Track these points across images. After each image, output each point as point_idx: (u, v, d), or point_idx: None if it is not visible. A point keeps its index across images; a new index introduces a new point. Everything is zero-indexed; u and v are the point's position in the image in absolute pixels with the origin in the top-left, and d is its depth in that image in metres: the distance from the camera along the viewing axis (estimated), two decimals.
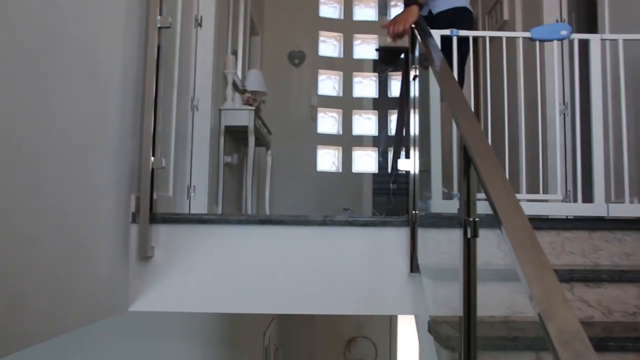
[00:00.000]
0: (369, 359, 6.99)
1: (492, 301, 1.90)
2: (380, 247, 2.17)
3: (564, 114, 3.11)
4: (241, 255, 2.13)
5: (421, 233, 2.11)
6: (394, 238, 2.16)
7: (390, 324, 7.01)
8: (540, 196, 2.32)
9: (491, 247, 1.79)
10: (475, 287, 1.29)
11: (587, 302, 1.89)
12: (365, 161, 5.18)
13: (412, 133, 2.18)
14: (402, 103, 2.56)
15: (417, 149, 2.16)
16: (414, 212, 2.13)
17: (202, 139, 3.30)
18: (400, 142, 2.95)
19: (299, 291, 2.15)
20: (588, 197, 2.20)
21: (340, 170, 5.20)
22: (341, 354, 6.98)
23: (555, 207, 2.26)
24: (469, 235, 1.27)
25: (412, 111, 2.19)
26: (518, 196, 2.19)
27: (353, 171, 5.16)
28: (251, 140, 3.71)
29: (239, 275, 2.13)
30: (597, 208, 2.12)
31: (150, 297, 2.10)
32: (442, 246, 2.04)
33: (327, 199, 5.16)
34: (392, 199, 4.59)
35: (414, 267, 2.10)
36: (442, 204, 2.22)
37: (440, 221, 2.13)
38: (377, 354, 7.02)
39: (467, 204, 1.30)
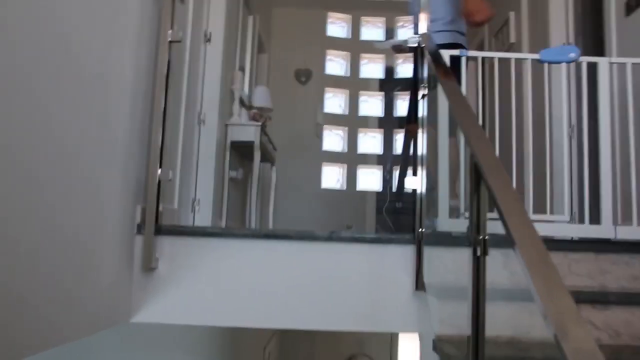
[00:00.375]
0: None
1: (498, 321, 1.88)
2: (386, 265, 2.17)
3: (571, 136, 3.12)
4: (245, 269, 2.13)
5: (427, 251, 2.10)
6: (400, 256, 2.15)
7: (390, 341, 6.94)
8: (547, 217, 2.31)
9: (496, 266, 1.78)
10: (484, 306, 1.28)
11: (595, 324, 1.88)
12: (370, 179, 5.19)
13: (419, 151, 2.18)
14: (409, 122, 2.57)
15: (424, 167, 2.16)
16: (420, 230, 2.12)
17: (208, 153, 3.30)
18: (407, 161, 2.96)
19: (303, 306, 2.14)
20: (595, 219, 2.19)
21: (345, 188, 5.20)
22: None
23: (562, 228, 2.25)
24: (478, 254, 1.26)
25: (420, 130, 2.19)
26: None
27: (357, 189, 5.17)
28: (257, 155, 3.72)
29: (242, 289, 2.12)
30: (605, 230, 2.12)
31: (153, 308, 2.08)
32: (448, 265, 2.03)
33: (330, 216, 5.15)
34: (388, 218, 4.58)
35: (419, 285, 2.09)
36: (448, 223, 2.22)
37: (447, 240, 2.12)
38: None
39: (477, 222, 1.30)
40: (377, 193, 5.30)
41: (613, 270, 2.18)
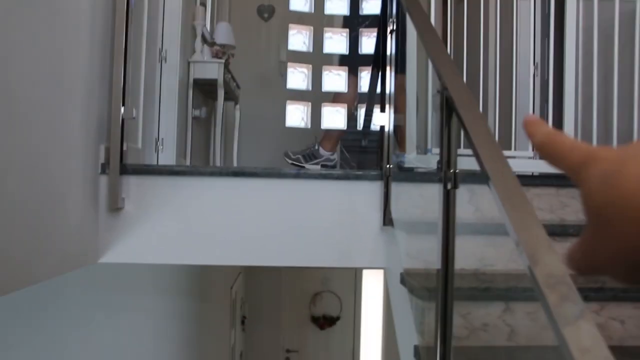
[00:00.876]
0: (334, 313, 7.13)
1: (463, 254, 1.94)
2: (354, 201, 2.19)
3: (535, 74, 3.15)
4: (213, 207, 2.12)
5: (394, 187, 2.13)
6: (368, 192, 2.18)
7: (355, 279, 7.14)
8: (511, 152, 2.36)
9: (462, 202, 1.81)
10: (454, 238, 1.31)
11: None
12: (335, 117, 5.16)
13: (387, 89, 2.17)
14: (376, 59, 2.54)
15: (392, 104, 2.16)
16: (387, 166, 2.14)
17: (170, 91, 3.22)
18: (373, 99, 2.94)
19: (271, 243, 2.16)
20: None
21: (309, 126, 5.17)
22: (306, 308, 7.10)
23: (525, 163, 2.30)
24: (448, 187, 1.28)
25: (388, 66, 2.17)
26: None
27: (322, 127, 5.14)
28: (220, 93, 3.64)
29: (210, 227, 2.12)
30: None
31: (121, 248, 2.07)
32: (415, 200, 2.06)
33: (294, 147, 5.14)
34: (350, 156, 4.59)
35: (386, 220, 2.12)
36: (416, 159, 2.25)
37: (414, 176, 2.15)
38: (342, 308, 7.17)
39: (448, 156, 1.31)
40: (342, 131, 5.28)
41: (572, 204, 2.25)
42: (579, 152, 0.38)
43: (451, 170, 1.28)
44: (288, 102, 5.26)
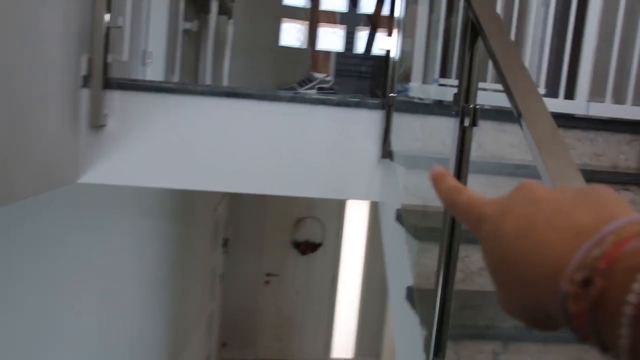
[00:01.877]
0: (316, 239, 7.16)
1: None
2: (352, 130, 2.07)
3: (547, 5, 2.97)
4: (202, 129, 1.99)
5: (397, 118, 2.01)
6: (367, 121, 2.06)
7: (339, 206, 7.12)
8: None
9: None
10: (467, 177, 1.20)
11: None
12: (332, 38, 4.93)
13: (396, 11, 2.00)
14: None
15: (401, 28, 2.00)
16: (390, 94, 2.01)
17: (159, 0, 2.99)
18: (378, 22, 2.76)
19: (263, 170, 2.05)
20: (569, 94, 2.13)
21: (305, 47, 4.95)
22: (289, 233, 7.10)
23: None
24: (466, 124, 1.17)
25: None
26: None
27: (317, 48, 4.92)
28: (214, 6, 3.41)
29: (199, 150, 2.00)
30: (578, 106, 2.06)
31: (102, 168, 1.95)
32: (420, 133, 1.95)
33: (289, 76, 4.96)
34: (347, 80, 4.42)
35: (385, 153, 2.02)
36: (421, 89, 2.11)
37: (419, 107, 2.03)
38: (325, 235, 7.19)
39: (467, 89, 1.18)
40: (338, 54, 5.08)
41: (578, 146, 2.16)
42: (473, 212, 0.37)
43: (471, 106, 1.16)
44: (284, 19, 5.01)
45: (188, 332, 4.67)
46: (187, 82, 3.43)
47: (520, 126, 0.88)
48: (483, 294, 1.64)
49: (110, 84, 1.87)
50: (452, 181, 0.41)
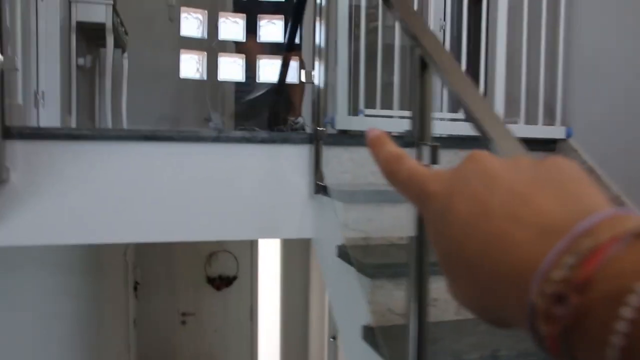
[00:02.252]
0: (230, 273, 6.94)
1: (402, 223, 1.83)
2: (280, 167, 1.99)
3: (444, 29, 3.08)
4: (119, 177, 1.82)
5: (327, 151, 1.95)
6: (295, 157, 1.99)
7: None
8: (442, 114, 2.26)
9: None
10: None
11: None
12: (232, 68, 4.83)
13: (317, 42, 1.96)
14: (298, 6, 2.29)
15: (322, 59, 1.95)
16: (318, 128, 1.95)
17: (50, 36, 2.75)
18: (290, 52, 2.71)
19: (189, 216, 1.91)
20: None
21: (205, 78, 4.81)
22: (202, 269, 6.83)
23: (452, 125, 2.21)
24: (424, 164, 1.12)
25: (317, 18, 1.95)
26: (439, 115, 2.10)
27: (219, 79, 4.79)
28: (109, 40, 3.20)
29: (117, 200, 1.82)
30: None
31: (5, 229, 1.72)
32: (357, 166, 1.91)
33: (190, 109, 4.79)
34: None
35: (317, 188, 1.95)
36: (347, 121, 2.07)
37: (351, 139, 1.98)
38: (239, 268, 6.99)
39: (422, 124, 1.14)
40: (236, 84, 4.98)
41: None
42: (414, 187, 0.31)
43: (429, 144, 1.11)
44: (182, 51, 4.84)
45: None
46: (92, 126, 3.19)
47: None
48: (436, 325, 1.61)
49: (10, 133, 1.66)
50: (392, 147, 0.34)
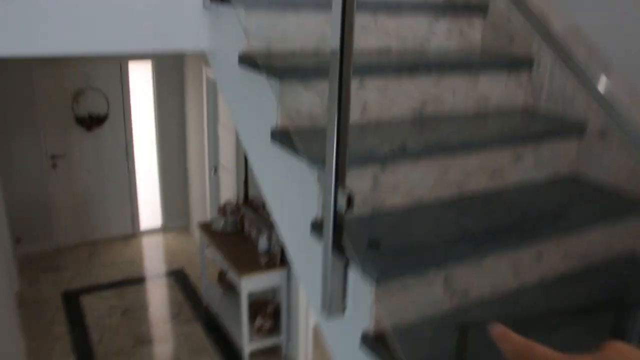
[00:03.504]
0: (101, 112, 6.56)
1: (305, 32, 1.79)
2: None
3: None
4: None
5: None
6: None
7: (120, 72, 6.51)
8: None
9: None
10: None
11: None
12: None
13: None
14: None
15: None
16: None
17: None
18: None
19: (70, 24, 1.73)
20: None
21: None
22: (69, 108, 6.37)
23: None
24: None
25: None
26: None
27: None
28: None
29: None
30: None
31: None
32: None
33: None
34: None
35: None
36: None
37: None
38: (109, 106, 6.61)
39: None
40: None
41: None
42: None
43: None
44: None
45: None
46: None
47: None
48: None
49: None
50: (518, 338, 0.40)
